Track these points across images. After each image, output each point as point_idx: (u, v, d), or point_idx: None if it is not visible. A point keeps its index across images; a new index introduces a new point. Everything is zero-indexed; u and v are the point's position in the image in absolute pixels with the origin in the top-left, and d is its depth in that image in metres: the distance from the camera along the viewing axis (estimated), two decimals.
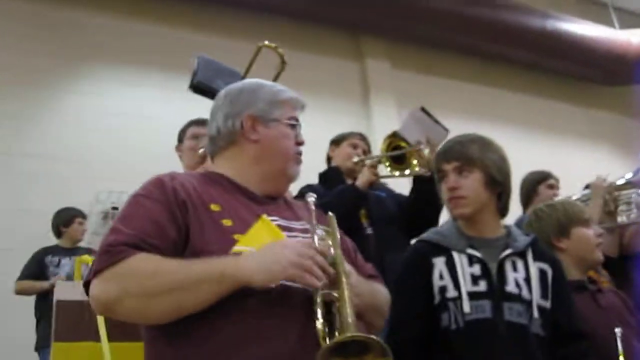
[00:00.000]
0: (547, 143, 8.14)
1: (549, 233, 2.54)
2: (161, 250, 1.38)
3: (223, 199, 1.54)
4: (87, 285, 1.40)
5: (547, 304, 2.02)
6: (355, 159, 3.36)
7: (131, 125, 5.94)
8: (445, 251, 2.04)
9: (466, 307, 1.93)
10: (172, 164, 3.27)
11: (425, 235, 2.15)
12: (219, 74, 2.63)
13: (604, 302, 2.43)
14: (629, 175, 3.95)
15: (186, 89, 2.88)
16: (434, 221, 3.00)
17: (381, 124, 6.94)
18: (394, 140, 3.35)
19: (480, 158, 2.08)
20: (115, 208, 5.59)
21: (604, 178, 3.83)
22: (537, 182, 4.22)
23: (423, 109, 3.23)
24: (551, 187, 4.21)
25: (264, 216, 1.55)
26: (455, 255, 2.02)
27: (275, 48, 2.60)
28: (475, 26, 7.52)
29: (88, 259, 3.29)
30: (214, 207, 1.50)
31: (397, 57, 7.71)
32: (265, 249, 1.39)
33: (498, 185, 2.10)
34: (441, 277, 1.99)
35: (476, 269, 1.99)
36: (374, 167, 3.18)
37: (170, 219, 1.44)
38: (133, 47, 6.28)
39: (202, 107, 3.37)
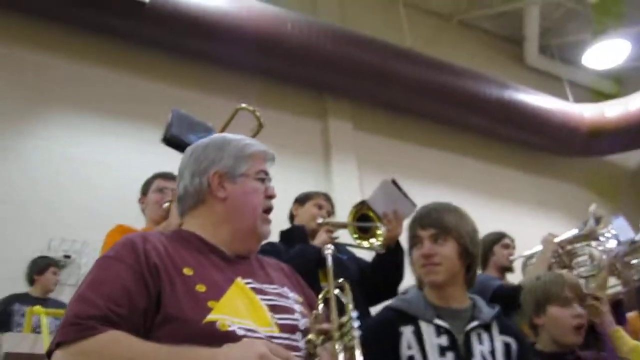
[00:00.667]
0: (502, 209, 8.26)
1: (529, 309, 2.58)
2: (131, 321, 1.32)
3: (196, 261, 1.49)
4: (49, 355, 1.31)
5: None
6: (320, 220, 3.36)
7: (90, 172, 5.83)
8: (412, 320, 2.01)
9: None
10: (133, 214, 3.21)
11: (393, 303, 2.14)
12: (193, 129, 2.61)
13: None
14: (575, 231, 4.05)
15: (154, 141, 2.85)
16: (395, 290, 3.06)
17: (341, 183, 7.00)
18: (362, 209, 3.38)
19: (456, 228, 2.10)
20: (67, 256, 5.45)
21: (553, 235, 3.93)
22: (492, 243, 4.29)
23: (394, 181, 3.27)
24: (506, 246, 4.28)
25: (238, 280, 1.50)
26: (423, 325, 2.00)
27: (253, 111, 2.61)
28: (437, 92, 7.72)
29: (40, 310, 3.16)
30: (186, 271, 1.44)
31: (360, 118, 7.82)
32: (240, 347, 1.27)
33: (469, 256, 2.11)
34: (409, 346, 1.97)
35: (443, 340, 1.98)
36: (330, 231, 3.20)
37: (142, 286, 1.37)
38: (97, 94, 6.23)
39: (170, 160, 3.33)
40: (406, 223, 2.48)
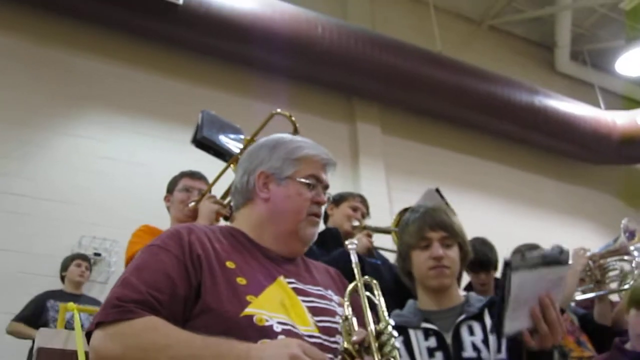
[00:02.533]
0: (530, 216, 8.20)
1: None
2: (171, 308, 1.34)
3: (240, 257, 1.51)
4: (88, 334, 1.35)
5: (504, 356, 2.01)
6: (355, 223, 3.34)
7: (120, 171, 5.92)
8: (402, 330, 2.02)
9: None
10: (158, 213, 3.24)
11: None
12: (222, 130, 2.64)
13: None
14: (607, 245, 4.01)
15: (185, 141, 2.88)
16: None
17: (369, 187, 6.99)
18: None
19: (461, 233, 2.12)
20: (97, 254, 5.53)
21: (585, 249, 3.89)
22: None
23: (437, 190, 3.25)
24: None
25: (281, 278, 1.51)
26: (411, 332, 2.01)
27: (289, 116, 2.61)
28: (467, 97, 7.68)
29: (73, 307, 3.21)
30: (229, 264, 1.46)
31: (388, 122, 7.82)
32: (274, 345, 1.27)
33: (466, 261, 2.14)
34: (400, 356, 1.98)
35: (432, 342, 1.99)
36: (370, 235, 3.17)
37: (184, 275, 1.40)
38: (129, 94, 6.32)
39: (193, 159, 3.39)
40: None
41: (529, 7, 9.20)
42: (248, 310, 1.37)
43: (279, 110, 2.70)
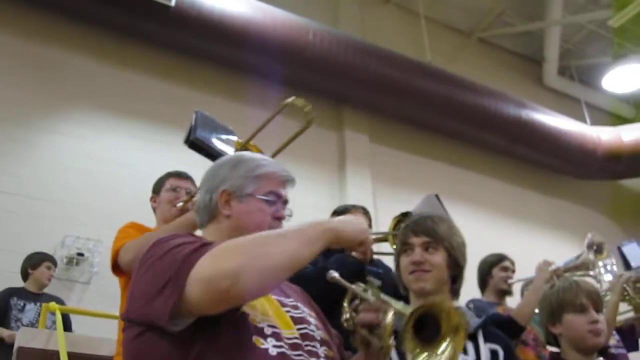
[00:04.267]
0: (515, 229, 8.26)
1: (545, 318, 2.58)
2: None
3: None
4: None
5: None
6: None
7: (106, 171, 5.90)
8: (396, 335, 2.02)
9: None
10: (144, 214, 3.22)
11: None
12: (215, 131, 2.62)
13: None
14: (570, 259, 4.05)
15: (171, 142, 2.86)
16: None
17: (355, 195, 7.01)
18: (403, 220, 3.35)
19: (447, 238, 2.12)
20: (80, 254, 5.50)
21: (549, 262, 3.91)
22: (491, 265, 4.25)
23: (437, 196, 3.25)
24: (505, 269, 4.24)
25: None
26: None
27: (303, 107, 2.52)
28: (455, 109, 7.73)
29: (55, 306, 3.19)
30: None
31: (377, 131, 7.85)
32: (349, 218, 1.53)
33: (457, 267, 2.14)
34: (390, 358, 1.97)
35: None
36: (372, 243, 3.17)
37: None
38: (116, 94, 6.31)
39: (178, 160, 3.39)
40: None
41: (519, 21, 9.28)
42: (244, 309, 1.42)
43: (293, 98, 2.61)
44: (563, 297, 2.54)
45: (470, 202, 8.07)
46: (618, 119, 10.10)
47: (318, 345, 1.51)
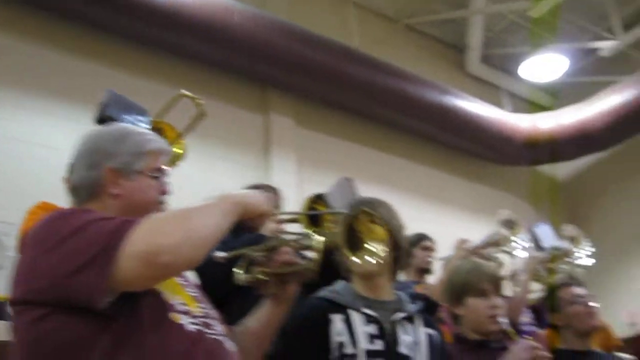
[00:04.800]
0: (437, 213, 8.43)
1: (448, 299, 2.66)
2: None
3: None
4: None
5: None
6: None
7: (22, 151, 5.67)
8: (342, 309, 2.07)
9: None
10: (61, 195, 3.13)
11: (322, 294, 2.19)
12: (128, 110, 2.57)
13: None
14: (487, 236, 4.20)
15: (82, 121, 2.78)
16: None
17: (280, 179, 6.97)
18: (315, 202, 3.37)
19: (389, 221, 2.17)
20: None
21: (465, 240, 4.06)
22: (412, 244, 4.37)
23: (350, 180, 3.29)
24: (425, 248, 4.39)
25: None
26: (352, 313, 2.07)
27: (195, 99, 2.56)
28: (380, 94, 7.81)
29: None
30: None
31: (303, 115, 7.83)
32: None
33: (398, 250, 2.19)
34: (339, 333, 2.02)
35: (372, 329, 2.05)
36: (281, 222, 3.18)
37: None
38: (37, 73, 6.05)
39: None
40: None
41: (445, 9, 9.42)
42: (156, 288, 1.42)
43: (184, 91, 2.66)
44: (466, 280, 2.63)
45: (395, 186, 8.18)
46: (536, 107, 10.43)
47: (216, 322, 1.53)
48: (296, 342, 2.05)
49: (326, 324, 2.05)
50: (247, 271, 1.66)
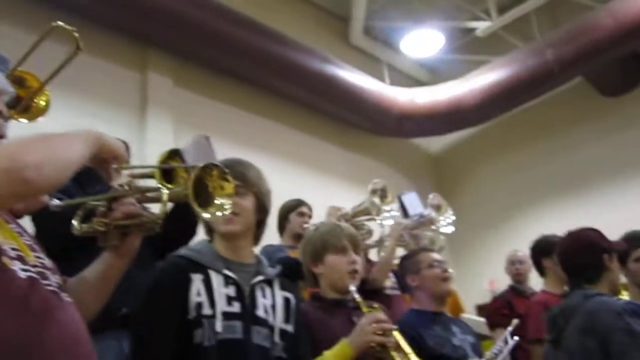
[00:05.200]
0: (314, 180, 8.53)
1: (308, 257, 2.69)
2: None
3: None
4: None
5: (290, 328, 2.12)
6: (114, 166, 3.25)
7: None
8: (202, 269, 2.06)
9: (219, 326, 1.97)
10: None
11: (182, 252, 2.17)
12: None
13: (357, 318, 2.54)
14: (358, 204, 4.33)
15: None
16: (187, 243, 3.02)
17: (155, 138, 6.84)
18: (171, 158, 3.29)
19: (257, 184, 2.19)
20: None
21: (338, 207, 4.17)
22: (289, 210, 4.44)
23: (207, 138, 3.24)
24: (302, 214, 4.44)
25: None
26: (212, 274, 2.06)
27: (71, 31, 2.38)
28: (261, 59, 7.75)
29: None
30: None
31: (182, 75, 7.65)
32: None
33: (263, 213, 2.20)
34: (198, 293, 2.00)
35: (231, 290, 2.05)
36: (134, 176, 3.09)
37: None
38: None
39: None
40: None
41: None
42: None
43: (60, 23, 2.47)
44: (327, 238, 2.69)
45: (273, 151, 8.21)
46: (414, 82, 10.75)
47: (51, 274, 1.47)
48: (154, 300, 2.02)
49: (186, 283, 2.02)
50: (85, 221, 1.60)
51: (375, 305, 2.59)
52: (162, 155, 3.21)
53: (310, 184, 8.30)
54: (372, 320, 2.35)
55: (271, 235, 4.74)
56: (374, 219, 4.51)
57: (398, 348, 2.39)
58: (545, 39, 8.75)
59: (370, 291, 3.97)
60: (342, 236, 2.69)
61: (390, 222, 4.38)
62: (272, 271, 2.21)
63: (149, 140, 6.83)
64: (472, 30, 9.81)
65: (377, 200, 4.49)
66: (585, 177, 9.41)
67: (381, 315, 2.42)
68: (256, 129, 8.23)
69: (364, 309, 2.49)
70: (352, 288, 2.56)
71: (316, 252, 2.68)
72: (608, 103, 9.45)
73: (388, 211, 4.47)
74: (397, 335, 2.43)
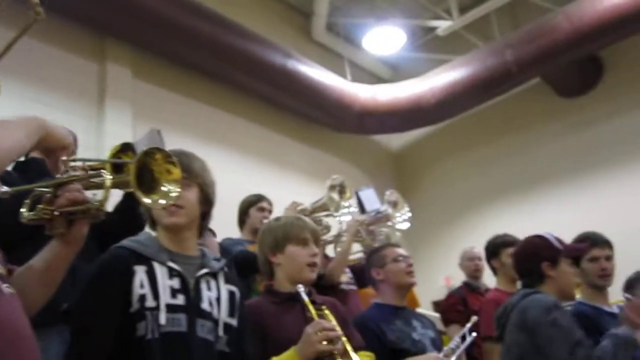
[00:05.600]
0: (274, 175, 8.52)
1: (267, 247, 2.69)
2: None
3: None
4: None
5: (234, 322, 2.12)
6: (63, 158, 3.23)
7: None
8: (145, 260, 2.02)
9: (162, 319, 1.94)
10: None
11: (125, 243, 2.11)
12: None
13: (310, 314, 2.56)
14: (317, 201, 4.35)
15: None
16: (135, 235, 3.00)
17: (113, 131, 6.75)
18: (123, 151, 3.26)
19: (202, 175, 2.17)
20: None
21: (297, 203, 4.19)
22: (249, 205, 4.43)
23: (159, 132, 3.23)
24: (262, 210, 4.44)
25: None
26: (156, 265, 2.03)
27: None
28: (223, 52, 7.70)
29: None
30: None
31: (141, 67, 7.55)
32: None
33: (208, 205, 2.19)
34: (142, 285, 1.97)
35: (175, 283, 2.02)
36: (84, 169, 3.06)
37: None
38: None
39: None
40: None
41: None
42: None
43: None
44: (289, 229, 2.69)
45: (234, 146, 8.19)
46: (376, 79, 10.81)
47: None
48: (95, 292, 1.97)
49: (129, 275, 1.98)
50: (32, 209, 1.57)
51: (324, 306, 2.60)
52: (114, 148, 3.19)
53: (271, 179, 8.29)
54: (317, 329, 2.37)
55: (232, 230, 4.74)
56: (332, 215, 4.53)
57: (345, 354, 2.41)
58: (504, 40, 8.88)
59: (327, 286, 4.01)
60: (305, 228, 2.71)
61: (348, 217, 4.41)
62: (216, 264, 2.19)
63: (107, 132, 6.74)
64: (433, 29, 9.89)
65: (335, 196, 4.51)
66: (541, 177, 9.58)
67: (326, 323, 2.43)
68: (217, 123, 8.18)
69: (312, 312, 2.50)
70: (301, 289, 2.57)
71: (277, 242, 2.69)
72: (565, 104, 9.64)
73: (347, 207, 4.49)
74: (344, 340, 2.46)
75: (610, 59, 9.33)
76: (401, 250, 3.50)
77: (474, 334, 3.26)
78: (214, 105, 8.25)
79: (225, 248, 4.03)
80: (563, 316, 2.82)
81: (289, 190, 8.16)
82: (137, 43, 7.45)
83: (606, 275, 3.49)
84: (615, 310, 3.38)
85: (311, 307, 2.51)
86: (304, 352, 2.35)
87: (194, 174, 2.15)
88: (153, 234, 2.20)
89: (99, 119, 6.94)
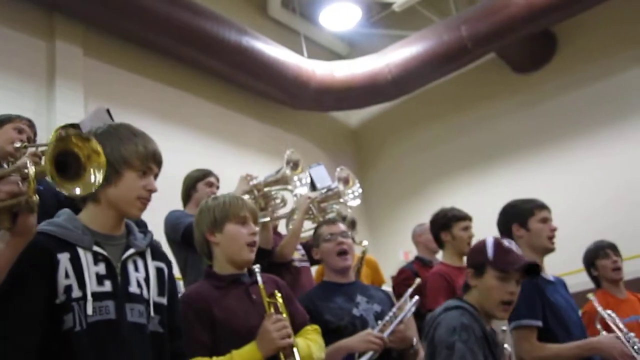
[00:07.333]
0: (230, 153, 8.48)
1: (205, 226, 2.66)
2: None
3: None
4: None
5: (164, 301, 2.08)
6: (18, 144, 3.20)
7: None
8: (69, 247, 1.91)
9: (89, 309, 1.84)
10: None
11: (45, 228, 1.95)
12: None
13: (255, 295, 2.57)
14: (270, 174, 4.33)
15: None
16: None
17: (64, 110, 6.63)
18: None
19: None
20: None
21: (251, 176, 4.15)
22: (196, 179, 4.37)
23: (108, 110, 3.19)
24: (209, 184, 4.39)
25: None
26: (81, 252, 1.91)
27: None
28: (176, 29, 7.59)
29: None
30: None
31: (92, 45, 7.41)
32: None
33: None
34: (67, 275, 1.86)
35: (101, 268, 1.91)
36: (37, 156, 3.02)
37: None
38: None
39: None
40: None
41: None
42: None
43: None
44: (228, 208, 2.66)
45: (188, 124, 8.12)
46: (333, 55, 10.77)
47: None
48: (15, 286, 1.78)
49: (52, 265, 1.85)
50: None
51: (276, 292, 2.59)
52: (57, 129, 3.13)
53: (227, 156, 8.25)
54: (277, 326, 2.39)
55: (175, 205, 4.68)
56: (287, 189, 4.50)
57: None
58: (460, 15, 8.93)
59: (279, 264, 4.01)
60: (244, 207, 2.67)
61: (304, 190, 4.38)
62: (143, 242, 2.09)
63: (58, 111, 6.62)
64: (389, 4, 9.87)
65: (287, 171, 4.48)
66: (496, 151, 9.72)
67: (281, 317, 2.46)
68: (172, 101, 8.09)
69: (265, 301, 2.51)
70: (257, 270, 2.57)
71: (215, 221, 2.63)
72: (519, 80, 9.76)
73: (299, 181, 4.46)
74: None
75: (564, 35, 9.46)
76: (333, 228, 3.41)
77: (416, 297, 3.20)
78: (168, 84, 8.15)
79: (174, 220, 4.00)
80: (467, 339, 2.63)
81: (245, 168, 8.07)
82: (87, 20, 7.31)
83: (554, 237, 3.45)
84: (551, 278, 3.42)
85: (264, 295, 2.52)
86: (264, 349, 2.36)
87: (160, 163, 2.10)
88: (73, 214, 2.08)
89: (49, 99, 6.81)
